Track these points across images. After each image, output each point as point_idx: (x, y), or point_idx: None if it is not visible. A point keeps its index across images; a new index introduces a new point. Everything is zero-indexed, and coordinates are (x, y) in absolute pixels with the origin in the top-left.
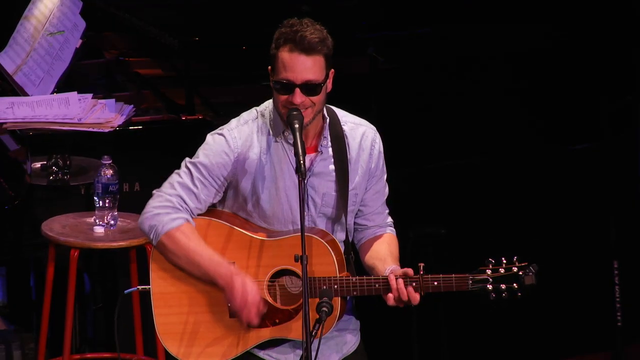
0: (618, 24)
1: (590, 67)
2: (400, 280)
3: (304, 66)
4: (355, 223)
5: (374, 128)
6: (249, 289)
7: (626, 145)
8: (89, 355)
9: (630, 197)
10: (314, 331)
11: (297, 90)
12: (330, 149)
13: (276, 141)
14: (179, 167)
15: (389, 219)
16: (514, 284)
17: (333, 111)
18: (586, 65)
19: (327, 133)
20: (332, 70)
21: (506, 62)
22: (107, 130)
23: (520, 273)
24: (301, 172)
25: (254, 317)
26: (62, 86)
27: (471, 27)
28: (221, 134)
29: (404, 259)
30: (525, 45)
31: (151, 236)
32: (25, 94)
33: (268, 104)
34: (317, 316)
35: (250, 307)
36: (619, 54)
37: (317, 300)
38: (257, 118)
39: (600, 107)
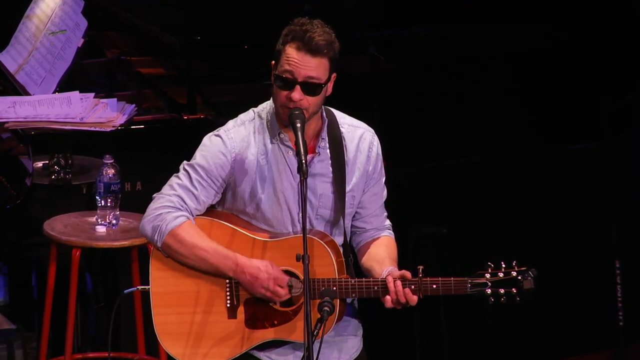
0: (618, 23)
1: (591, 67)
2: (399, 283)
3: (308, 65)
4: (353, 226)
5: (372, 130)
6: (260, 265)
7: (627, 144)
8: (90, 355)
9: (631, 196)
10: (316, 331)
11: (298, 87)
12: (327, 151)
13: (272, 142)
14: (180, 167)
15: (388, 222)
16: (513, 289)
17: (332, 113)
18: (586, 65)
19: (325, 134)
20: (335, 74)
21: (506, 62)
22: (108, 129)
23: (519, 278)
24: (303, 171)
25: (273, 288)
26: (63, 85)
27: (472, 27)
28: (218, 135)
29: (406, 258)
30: (526, 45)
31: (155, 237)
32: (27, 93)
33: (266, 105)
34: (319, 316)
35: (267, 283)
36: (619, 54)
37: (317, 301)
38: (254, 119)
39: (601, 106)
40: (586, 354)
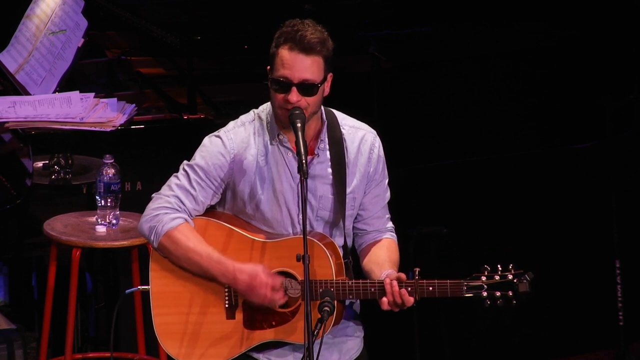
0: (620, 22)
1: (592, 66)
2: (395, 283)
3: (302, 65)
4: (354, 228)
5: (374, 132)
6: (253, 273)
7: (628, 144)
8: (90, 355)
9: (632, 196)
10: (316, 330)
11: (294, 89)
12: (327, 152)
13: (272, 144)
14: (179, 167)
15: (390, 224)
16: (509, 292)
17: (332, 114)
18: (587, 64)
19: (324, 136)
20: (331, 74)
21: (508, 61)
22: (109, 129)
23: (515, 281)
24: (303, 171)
25: (270, 295)
26: (64, 85)
27: (473, 26)
28: (218, 136)
29: (407, 257)
30: (528, 44)
31: (151, 238)
32: (27, 93)
33: (266, 107)
34: (318, 316)
35: (261, 288)
36: (622, 53)
37: (316, 302)
38: (254, 120)
39: (603, 106)
40: (586, 354)
